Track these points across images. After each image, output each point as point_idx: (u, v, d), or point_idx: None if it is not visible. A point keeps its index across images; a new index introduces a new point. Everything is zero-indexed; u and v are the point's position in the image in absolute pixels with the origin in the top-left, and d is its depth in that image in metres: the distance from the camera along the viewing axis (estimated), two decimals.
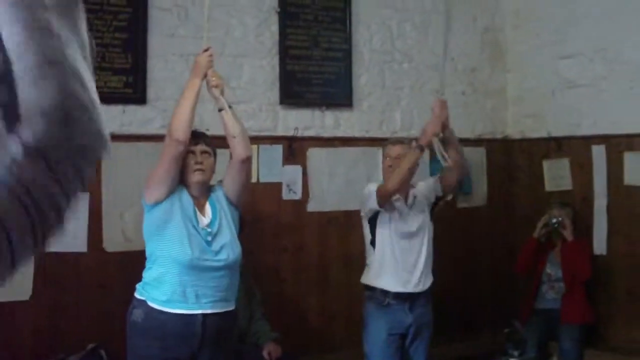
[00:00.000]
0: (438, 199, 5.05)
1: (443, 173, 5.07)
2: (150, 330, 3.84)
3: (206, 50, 4.11)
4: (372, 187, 4.90)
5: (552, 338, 5.95)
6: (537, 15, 6.79)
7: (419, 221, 5.02)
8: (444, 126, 4.82)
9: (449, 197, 4.99)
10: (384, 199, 4.78)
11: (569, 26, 6.46)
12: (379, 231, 4.95)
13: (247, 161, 4.12)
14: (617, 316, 6.08)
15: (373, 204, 4.80)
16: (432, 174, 5.89)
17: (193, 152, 3.99)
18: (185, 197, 3.95)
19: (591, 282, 5.99)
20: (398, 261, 4.94)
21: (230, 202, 4.09)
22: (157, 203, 3.88)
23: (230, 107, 4.10)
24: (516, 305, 6.41)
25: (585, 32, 6.30)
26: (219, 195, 4.08)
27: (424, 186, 5.09)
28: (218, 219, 3.99)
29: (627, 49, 5.96)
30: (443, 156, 4.84)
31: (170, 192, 3.90)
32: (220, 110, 4.10)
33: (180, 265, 3.82)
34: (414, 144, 4.71)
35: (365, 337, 5.00)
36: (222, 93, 4.12)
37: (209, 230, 3.92)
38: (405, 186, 4.81)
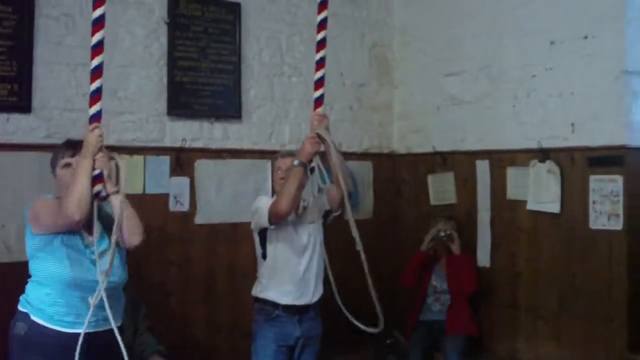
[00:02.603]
0: (327, 212, 5.07)
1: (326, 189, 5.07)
2: (33, 345, 3.73)
3: (94, 128, 3.77)
4: (262, 203, 4.88)
5: (437, 349, 6.07)
6: (423, 33, 6.93)
7: (309, 233, 5.03)
8: (322, 139, 4.73)
9: (338, 212, 5.01)
10: (277, 219, 4.77)
11: (454, 44, 6.61)
12: (269, 244, 4.96)
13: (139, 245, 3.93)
14: (501, 327, 6.24)
15: (264, 221, 4.79)
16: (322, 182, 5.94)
17: (70, 165, 3.84)
18: None
19: (475, 294, 6.13)
20: (288, 274, 4.95)
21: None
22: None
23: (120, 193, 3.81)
24: (401, 316, 6.51)
25: (470, 50, 6.46)
26: (105, 214, 3.97)
27: (322, 198, 5.11)
28: (107, 238, 3.87)
29: (510, 67, 6.13)
30: (322, 175, 4.79)
31: None
32: (106, 196, 3.80)
33: (63, 284, 3.71)
34: (295, 162, 4.70)
35: (254, 349, 4.99)
36: (114, 178, 3.80)
37: (94, 250, 3.79)
38: (296, 203, 4.81)
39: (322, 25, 4.60)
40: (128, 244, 3.87)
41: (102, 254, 3.77)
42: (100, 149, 3.74)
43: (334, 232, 5.18)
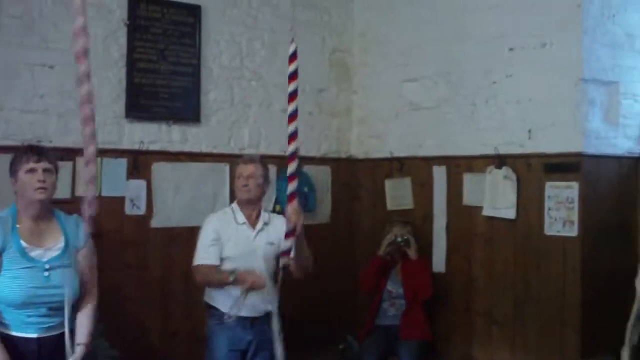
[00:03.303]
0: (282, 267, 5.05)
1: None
2: None
3: None
4: (208, 228, 5.04)
5: (391, 354, 6.07)
6: (383, 39, 6.96)
7: (263, 249, 5.07)
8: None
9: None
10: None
11: (414, 50, 6.64)
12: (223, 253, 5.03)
13: None
14: (455, 332, 6.28)
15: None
16: (281, 199, 6.00)
17: (34, 170, 3.82)
18: (16, 237, 3.79)
19: (430, 299, 6.16)
20: (234, 289, 4.98)
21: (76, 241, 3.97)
22: None
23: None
24: (357, 321, 6.52)
25: (429, 56, 6.50)
26: (72, 228, 3.96)
27: (281, 230, 5.10)
28: (64, 252, 3.87)
29: (469, 73, 6.17)
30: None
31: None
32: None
33: (12, 304, 3.71)
34: (232, 277, 4.80)
35: (207, 353, 5.00)
36: None
37: (46, 265, 3.77)
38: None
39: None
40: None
41: (53, 270, 3.78)
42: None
43: None
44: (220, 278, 4.87)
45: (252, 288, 4.78)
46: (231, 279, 4.79)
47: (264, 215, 5.23)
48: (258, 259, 5.07)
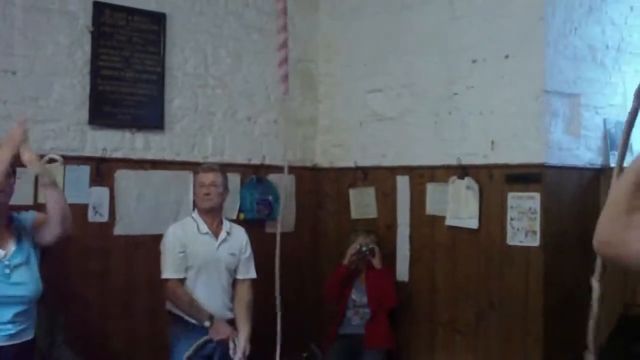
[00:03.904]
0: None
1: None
2: None
3: (21, 123, 3.83)
4: (172, 239, 5.12)
5: None
6: (348, 49, 6.98)
7: (226, 259, 5.11)
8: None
9: None
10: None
11: (378, 60, 6.68)
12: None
13: (64, 237, 3.97)
14: (418, 342, 6.30)
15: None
16: (244, 207, 6.02)
17: None
18: None
19: (395, 308, 6.18)
20: (196, 292, 5.01)
21: (35, 236, 3.93)
22: None
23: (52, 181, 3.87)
24: (322, 330, 6.53)
25: (393, 66, 6.53)
26: (26, 225, 3.91)
27: (244, 244, 5.17)
28: (22, 250, 3.82)
29: (432, 84, 6.21)
30: None
31: None
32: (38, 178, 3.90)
33: None
34: (207, 323, 4.97)
35: None
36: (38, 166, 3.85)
37: (6, 263, 3.73)
38: None
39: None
40: (53, 233, 3.88)
41: (14, 269, 3.74)
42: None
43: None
44: (194, 313, 4.96)
45: (221, 341, 4.90)
46: (206, 324, 4.86)
47: (226, 224, 5.27)
48: (221, 269, 5.12)
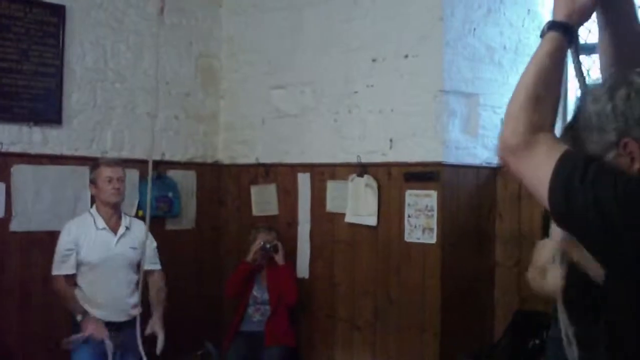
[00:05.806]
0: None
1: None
2: None
3: None
4: (65, 236, 5.10)
5: None
6: (250, 45, 6.97)
7: (126, 254, 5.08)
8: None
9: None
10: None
11: (280, 57, 6.69)
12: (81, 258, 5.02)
13: None
14: (318, 338, 6.36)
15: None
16: (143, 203, 5.98)
17: None
18: None
19: (294, 304, 6.22)
20: (97, 290, 4.98)
21: None
22: None
23: None
24: (223, 327, 6.53)
25: (296, 64, 6.56)
26: None
27: (142, 234, 5.14)
28: None
29: (333, 82, 6.26)
30: None
31: None
32: None
33: None
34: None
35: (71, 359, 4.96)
36: None
37: None
38: None
39: None
40: None
41: None
42: None
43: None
44: (73, 307, 5.00)
45: (91, 337, 4.89)
46: (78, 318, 4.86)
47: (125, 219, 5.23)
48: (119, 265, 5.08)
